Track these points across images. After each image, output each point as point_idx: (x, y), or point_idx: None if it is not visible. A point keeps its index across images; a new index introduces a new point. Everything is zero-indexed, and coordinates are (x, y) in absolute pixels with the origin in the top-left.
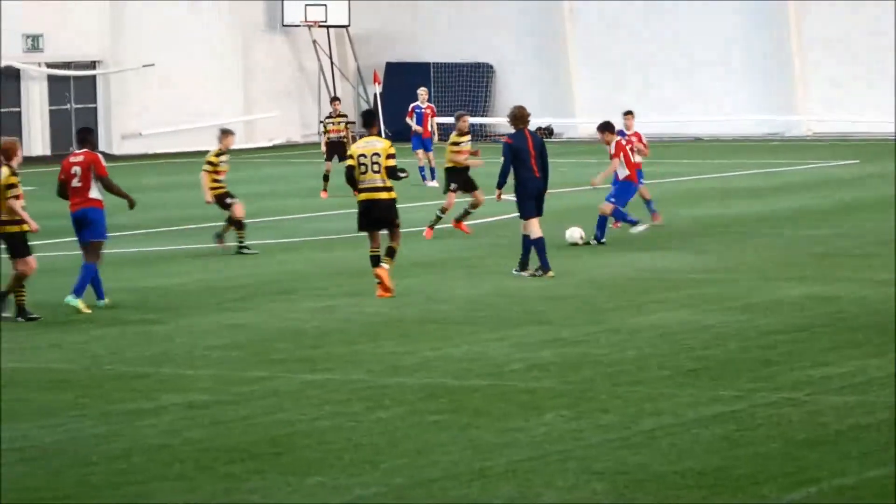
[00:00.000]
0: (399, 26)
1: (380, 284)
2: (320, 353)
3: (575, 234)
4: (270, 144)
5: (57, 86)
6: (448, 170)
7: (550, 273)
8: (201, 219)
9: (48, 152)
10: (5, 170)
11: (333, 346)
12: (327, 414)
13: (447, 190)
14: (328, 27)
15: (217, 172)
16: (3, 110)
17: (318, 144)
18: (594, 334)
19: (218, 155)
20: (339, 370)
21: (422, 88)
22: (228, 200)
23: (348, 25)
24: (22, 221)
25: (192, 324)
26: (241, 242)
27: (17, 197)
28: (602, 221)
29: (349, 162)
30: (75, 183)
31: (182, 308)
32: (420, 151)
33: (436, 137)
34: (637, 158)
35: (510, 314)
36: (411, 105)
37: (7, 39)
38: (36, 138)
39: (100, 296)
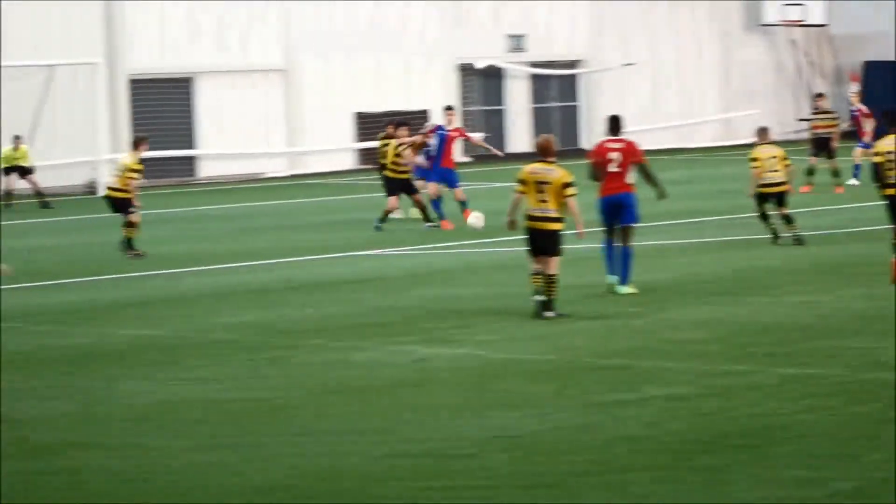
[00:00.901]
0: (876, 25)
1: None
2: (801, 347)
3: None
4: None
5: (539, 84)
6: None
7: None
8: (699, 213)
9: (532, 150)
10: (562, 171)
11: (814, 340)
12: (806, 408)
13: None
14: (806, 26)
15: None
16: (486, 108)
17: (796, 142)
18: None
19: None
20: (819, 364)
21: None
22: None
23: (827, 25)
24: (555, 220)
25: (672, 317)
26: (795, 234)
27: (572, 195)
28: None
29: (877, 159)
30: (613, 168)
31: (663, 301)
32: (858, 150)
33: (867, 138)
34: None
35: None
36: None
37: (491, 40)
38: (520, 136)
39: (622, 280)
